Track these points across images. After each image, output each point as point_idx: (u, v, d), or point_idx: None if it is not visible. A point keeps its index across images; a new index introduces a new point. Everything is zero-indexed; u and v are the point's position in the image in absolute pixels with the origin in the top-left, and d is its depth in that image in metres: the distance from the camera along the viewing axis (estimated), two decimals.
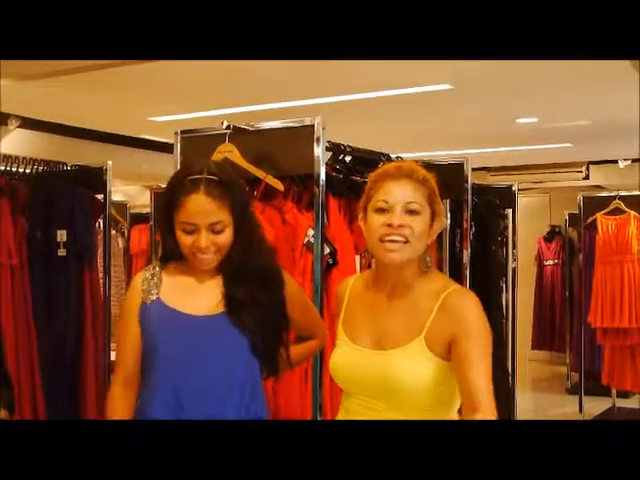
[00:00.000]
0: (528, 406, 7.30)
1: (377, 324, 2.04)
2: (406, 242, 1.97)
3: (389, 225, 1.96)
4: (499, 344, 4.81)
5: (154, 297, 2.24)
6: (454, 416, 1.99)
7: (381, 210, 1.99)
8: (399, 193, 1.99)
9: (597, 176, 9.39)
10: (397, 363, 1.95)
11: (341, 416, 2.12)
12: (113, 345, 3.69)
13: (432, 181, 2.05)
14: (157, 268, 2.31)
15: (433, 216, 2.03)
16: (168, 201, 2.23)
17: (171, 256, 2.29)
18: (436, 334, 1.94)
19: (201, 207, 2.15)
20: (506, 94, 5.95)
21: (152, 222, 6.17)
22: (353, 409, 2.06)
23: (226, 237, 2.19)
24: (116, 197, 6.66)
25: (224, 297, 2.22)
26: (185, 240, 2.18)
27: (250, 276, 2.23)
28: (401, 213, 1.98)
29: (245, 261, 2.23)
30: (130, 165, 7.73)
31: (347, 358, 2.07)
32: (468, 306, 1.96)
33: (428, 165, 2.73)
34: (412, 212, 1.99)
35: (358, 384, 2.05)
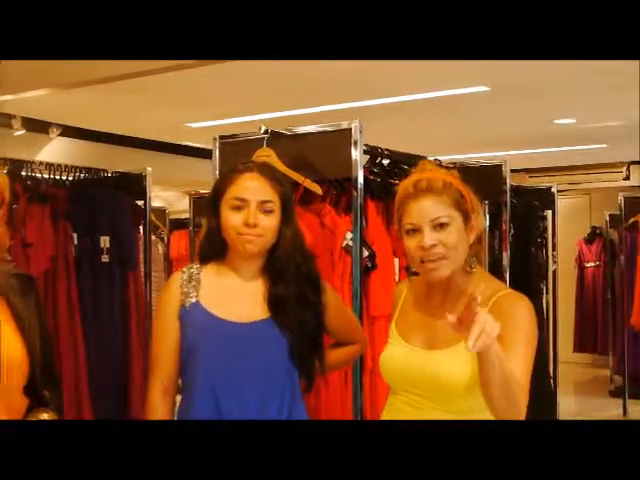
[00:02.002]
0: (571, 410, 7.22)
1: (429, 324, 2.04)
2: (443, 258, 1.97)
3: (422, 248, 1.96)
4: (540, 347, 4.76)
5: (193, 300, 2.19)
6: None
7: (412, 232, 1.99)
8: (423, 212, 1.97)
9: (638, 176, 9.28)
10: (445, 363, 1.94)
11: (385, 412, 2.12)
12: None
13: (456, 183, 2.00)
14: (195, 269, 2.25)
15: (467, 218, 2.00)
16: (219, 183, 2.24)
17: (211, 251, 2.25)
18: None
19: (254, 183, 2.18)
20: (543, 95, 5.91)
21: (191, 227, 6.23)
22: (398, 406, 2.07)
23: (272, 221, 2.18)
24: (155, 203, 6.72)
25: (269, 298, 2.20)
26: (232, 218, 2.16)
27: (295, 278, 2.21)
28: (430, 232, 1.96)
29: (291, 262, 2.21)
30: (168, 171, 7.79)
31: (398, 356, 2.07)
32: (519, 309, 1.93)
33: (462, 168, 2.73)
34: (441, 226, 1.96)
35: (407, 382, 2.05)
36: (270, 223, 2.18)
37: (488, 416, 1.92)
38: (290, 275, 2.21)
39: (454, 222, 1.97)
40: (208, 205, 2.27)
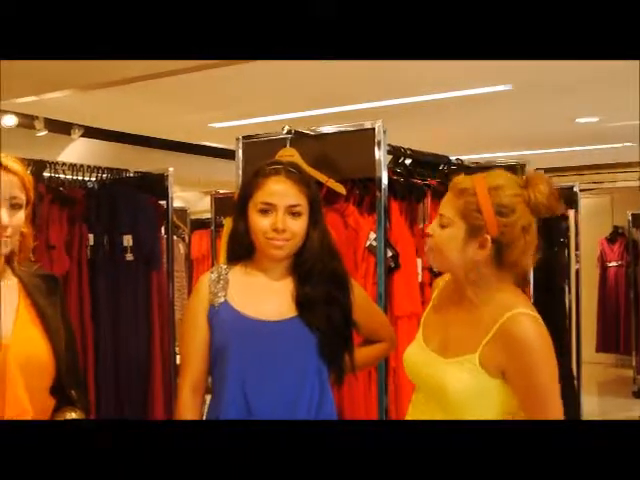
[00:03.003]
0: (594, 410, 7.18)
1: (445, 330, 2.03)
2: (432, 250, 2.01)
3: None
4: (563, 348, 4.75)
5: (222, 299, 2.21)
6: None
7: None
8: (441, 206, 2.00)
9: None
10: (448, 373, 1.93)
11: (409, 409, 2.12)
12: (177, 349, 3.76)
13: (478, 196, 1.91)
14: (223, 269, 2.27)
15: (474, 231, 1.92)
16: (246, 186, 2.25)
17: (239, 252, 2.27)
18: (490, 356, 1.88)
19: (282, 187, 2.18)
20: (566, 94, 5.87)
21: (213, 227, 6.24)
22: (418, 401, 2.08)
23: (301, 225, 2.19)
24: (176, 203, 6.74)
25: (297, 298, 2.20)
26: (260, 222, 2.17)
27: (323, 277, 2.22)
28: (436, 222, 1.99)
29: (318, 262, 2.22)
30: (189, 171, 7.82)
31: (415, 356, 2.07)
32: (524, 337, 1.84)
33: (484, 167, 2.71)
34: (442, 223, 1.97)
35: (419, 382, 2.07)
36: (298, 226, 2.19)
37: None
38: (317, 275, 2.22)
39: (453, 227, 1.94)
40: (235, 207, 2.28)
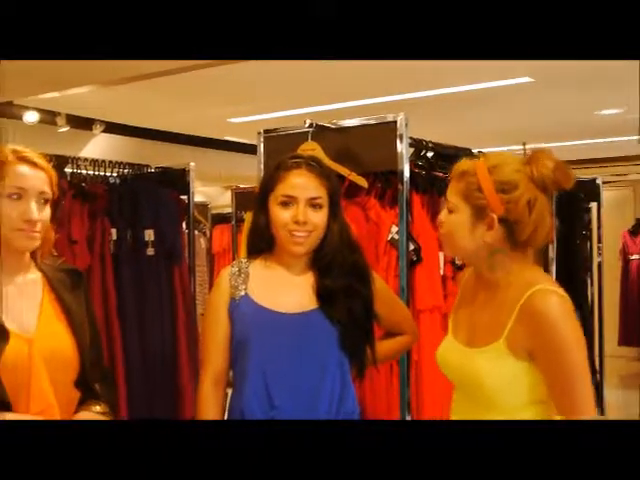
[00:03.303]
0: (616, 403, 7.14)
1: (471, 321, 2.01)
2: (444, 237, 2.00)
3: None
4: (585, 341, 4.71)
5: (242, 293, 2.22)
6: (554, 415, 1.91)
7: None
8: (447, 192, 1.99)
9: None
10: (475, 363, 1.91)
11: (452, 407, 2.08)
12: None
13: (477, 175, 1.90)
14: (244, 263, 2.28)
15: (479, 212, 1.90)
16: (267, 179, 2.27)
17: (260, 245, 2.28)
18: (516, 338, 1.84)
19: (303, 180, 2.20)
20: (589, 86, 5.84)
21: (234, 222, 6.26)
22: (458, 399, 2.04)
23: (322, 217, 2.20)
24: (197, 198, 6.76)
25: (318, 290, 2.21)
26: (281, 215, 2.18)
27: (343, 270, 2.22)
28: (445, 210, 1.98)
29: (338, 255, 2.22)
30: (210, 166, 7.84)
31: (446, 352, 2.05)
32: (546, 313, 1.79)
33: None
34: (449, 210, 1.96)
35: (455, 379, 2.04)
36: (320, 219, 2.20)
37: (530, 415, 1.88)
38: (338, 268, 2.22)
39: (459, 211, 1.93)
40: (256, 201, 2.29)
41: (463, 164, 1.96)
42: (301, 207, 2.17)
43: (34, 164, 1.93)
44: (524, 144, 1.93)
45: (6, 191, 1.88)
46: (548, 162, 1.90)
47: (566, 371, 1.77)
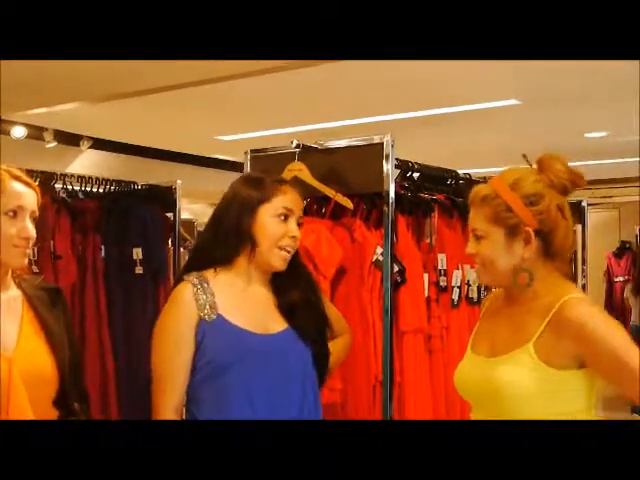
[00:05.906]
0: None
1: (494, 332, 2.00)
2: (482, 267, 1.97)
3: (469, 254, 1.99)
4: None
5: (214, 313, 2.08)
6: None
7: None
8: (470, 222, 1.98)
9: None
10: (498, 369, 1.88)
11: None
12: None
13: (502, 196, 1.91)
14: (200, 278, 2.12)
15: (512, 232, 1.91)
16: (260, 189, 2.17)
17: (214, 255, 2.16)
18: (549, 345, 1.84)
19: (297, 197, 2.21)
20: (575, 109, 5.88)
21: None
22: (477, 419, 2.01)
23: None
24: (183, 215, 6.75)
25: (283, 308, 2.18)
26: (277, 227, 2.14)
27: (299, 284, 2.23)
28: (472, 241, 1.97)
29: (290, 268, 2.20)
30: (196, 183, 7.84)
31: (463, 369, 2.04)
32: (584, 319, 1.82)
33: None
34: (478, 238, 1.95)
35: (473, 397, 2.01)
36: (300, 234, 2.22)
37: None
38: (294, 281, 2.22)
39: (491, 236, 1.93)
40: (238, 207, 2.16)
41: (481, 189, 1.96)
42: (294, 223, 2.17)
43: (27, 183, 1.97)
44: (525, 156, 1.92)
45: (3, 209, 1.90)
46: (560, 166, 1.96)
47: (620, 355, 1.78)
